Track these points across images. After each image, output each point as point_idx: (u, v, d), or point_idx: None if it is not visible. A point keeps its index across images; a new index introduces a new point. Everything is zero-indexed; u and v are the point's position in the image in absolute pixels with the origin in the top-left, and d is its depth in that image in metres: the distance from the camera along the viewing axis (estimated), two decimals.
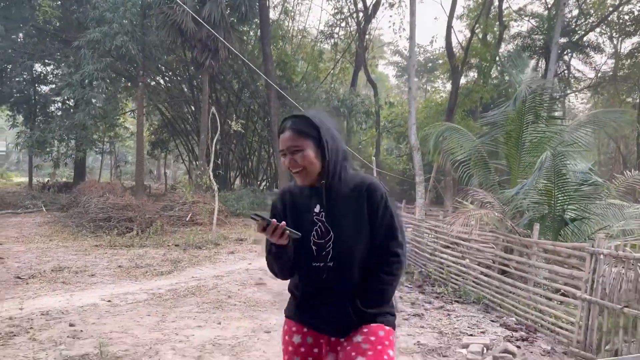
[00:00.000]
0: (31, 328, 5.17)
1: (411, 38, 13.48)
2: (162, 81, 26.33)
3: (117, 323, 5.43)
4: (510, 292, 6.53)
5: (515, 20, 26.97)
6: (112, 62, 17.42)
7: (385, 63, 44.58)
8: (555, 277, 5.94)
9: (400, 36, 41.90)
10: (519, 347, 5.09)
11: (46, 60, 21.75)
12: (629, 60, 26.16)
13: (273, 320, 5.70)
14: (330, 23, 27.69)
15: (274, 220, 1.83)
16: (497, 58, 22.94)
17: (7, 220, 14.25)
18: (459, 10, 26.27)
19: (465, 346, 4.88)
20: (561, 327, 5.51)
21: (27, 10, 18.33)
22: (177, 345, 4.75)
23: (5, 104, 21.30)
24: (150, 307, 6.14)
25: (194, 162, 22.95)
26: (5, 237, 11.40)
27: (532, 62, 25.35)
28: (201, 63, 18.16)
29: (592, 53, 25.91)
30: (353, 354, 1.90)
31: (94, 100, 16.84)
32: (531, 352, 5.02)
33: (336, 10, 27.18)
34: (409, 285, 8.14)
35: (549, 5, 25.01)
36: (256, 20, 21.40)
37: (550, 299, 5.90)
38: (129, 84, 23.20)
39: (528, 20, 26.39)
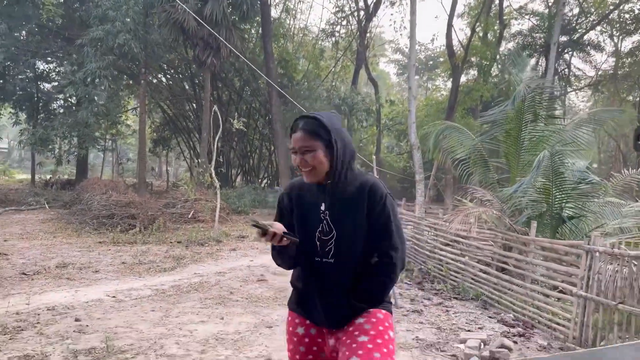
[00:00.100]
0: (38, 323, 5.28)
1: (411, 37, 13.56)
2: (164, 79, 26.45)
3: (122, 318, 5.54)
4: (508, 289, 6.63)
5: (516, 19, 27.02)
6: (115, 60, 17.53)
7: (386, 61, 44.66)
8: (552, 274, 6.04)
9: (401, 34, 42.10)
10: (515, 342, 5.20)
11: (49, 58, 21.88)
12: (629, 59, 26.22)
13: (274, 315, 5.81)
14: (332, 21, 27.80)
15: (271, 228, 1.89)
16: (498, 56, 23.00)
17: (10, 217, 14.38)
18: (459, 8, 26.35)
19: (463, 341, 4.98)
20: (558, 324, 5.62)
21: (30, 8, 18.43)
22: (181, 339, 4.86)
23: (8, 102, 21.41)
24: (154, 303, 6.25)
25: (196, 160, 23.06)
26: (9, 234, 11.52)
27: (533, 61, 25.40)
28: (203, 61, 18.27)
29: (592, 51, 25.97)
30: (356, 333, 1.99)
31: (96, 98, 16.95)
32: (527, 348, 5.12)
33: (337, 9, 27.30)
34: (409, 282, 8.24)
35: (550, 4, 25.05)
36: (258, 18, 21.49)
37: (547, 296, 6.01)
38: (131, 82, 23.33)
39: (529, 19, 26.45)
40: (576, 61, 28.37)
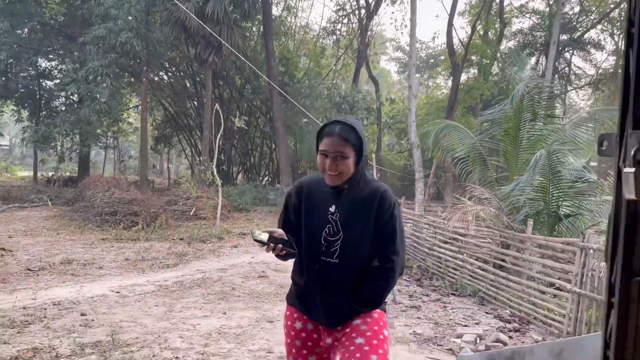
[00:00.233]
0: (45, 317, 5.41)
1: (411, 36, 13.66)
2: (165, 77, 26.55)
3: (127, 313, 5.67)
4: (505, 285, 6.76)
5: (517, 17, 27.07)
6: (117, 58, 17.63)
7: (387, 59, 44.70)
8: (548, 271, 6.16)
9: (402, 33, 41.98)
10: (511, 337, 5.32)
11: (51, 56, 21.98)
12: None
13: (275, 310, 5.94)
14: (333, 19, 27.86)
15: (271, 245, 1.99)
16: (498, 55, 23.08)
17: (14, 214, 14.52)
18: (460, 6, 26.42)
19: (459, 336, 5.11)
20: (553, 319, 5.74)
21: (32, 6, 18.54)
22: (184, 333, 4.99)
23: (10, 99, 21.53)
24: (158, 298, 6.38)
25: (197, 158, 23.20)
26: (13, 231, 11.65)
27: (533, 59, 25.47)
28: (204, 59, 18.37)
29: (593, 50, 26.02)
30: (353, 335, 2.09)
31: (98, 96, 17.06)
32: (522, 342, 5.25)
33: (338, 7, 27.34)
34: (408, 279, 8.36)
35: (551, 2, 25.10)
36: (259, 16, 21.58)
37: (543, 292, 6.13)
38: (133, 80, 23.43)
39: (529, 17, 26.50)
40: (576, 60, 28.42)
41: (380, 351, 2.05)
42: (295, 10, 27.40)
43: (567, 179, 7.65)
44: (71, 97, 20.55)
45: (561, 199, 7.64)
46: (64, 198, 17.20)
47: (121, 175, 27.05)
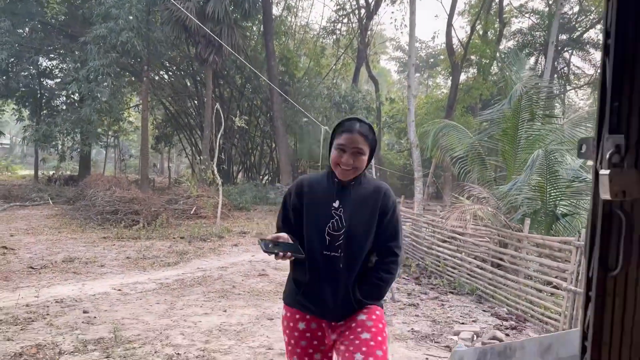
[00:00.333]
0: (47, 314, 5.48)
1: (411, 36, 13.71)
2: (166, 76, 26.62)
3: (128, 310, 5.74)
4: (503, 283, 6.83)
5: (516, 17, 27.12)
6: (118, 58, 17.69)
7: (387, 58, 44.75)
8: (545, 269, 6.24)
9: (402, 32, 42.07)
10: (507, 335, 5.40)
11: (51, 55, 22.03)
12: None
13: (275, 308, 6.01)
14: (333, 19, 27.91)
15: (280, 253, 2.06)
16: (497, 55, 23.14)
17: (15, 213, 14.59)
18: (460, 6, 26.45)
19: (457, 333, 5.19)
20: (549, 317, 5.81)
21: (33, 5, 18.60)
22: (185, 330, 5.06)
23: (11, 98, 21.60)
24: (159, 296, 6.45)
25: (198, 157, 23.27)
26: (14, 229, 11.72)
27: (532, 59, 25.53)
28: (205, 59, 18.45)
29: (592, 50, 26.06)
30: (359, 329, 2.15)
31: (99, 95, 17.13)
32: (518, 340, 5.32)
33: (338, 7, 27.39)
34: (406, 277, 8.43)
35: (550, 2, 25.15)
36: (259, 16, 21.63)
37: (540, 291, 6.20)
38: (134, 79, 23.49)
39: (529, 17, 26.55)
40: (575, 59, 28.46)
41: (384, 347, 2.13)
42: (295, 9, 27.48)
43: (564, 178, 7.72)
44: (72, 96, 20.61)
45: (558, 199, 7.71)
46: (65, 197, 17.27)
47: (122, 174, 27.12)
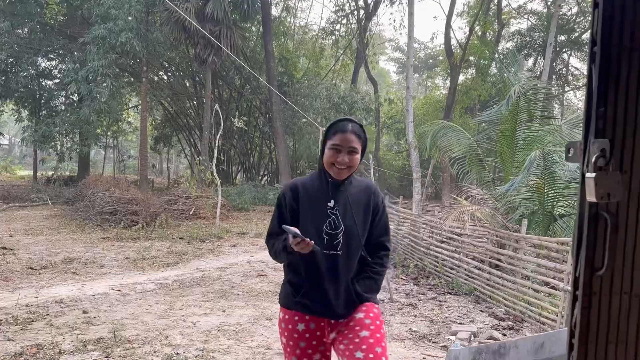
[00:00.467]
0: (47, 314, 5.51)
1: (409, 37, 13.75)
2: (165, 77, 26.63)
3: (128, 310, 5.77)
4: (500, 284, 6.86)
5: (515, 18, 27.18)
6: (117, 58, 17.70)
7: (386, 59, 44.83)
8: (542, 270, 6.27)
9: (400, 33, 42.07)
10: (505, 335, 5.43)
11: (50, 56, 22.03)
12: None
13: (274, 308, 6.04)
14: (332, 20, 27.95)
15: (308, 239, 2.05)
16: (496, 56, 23.20)
17: (14, 213, 14.60)
18: (459, 7, 26.52)
19: (454, 333, 5.22)
20: (546, 317, 5.85)
21: (32, 6, 18.61)
22: (185, 330, 5.09)
23: (10, 99, 21.60)
24: (158, 296, 6.48)
25: (197, 157, 23.30)
26: (14, 230, 11.74)
27: (531, 60, 25.59)
28: (204, 59, 18.46)
29: None
30: (357, 328, 2.21)
31: (98, 96, 17.13)
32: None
33: (337, 7, 27.45)
34: (405, 278, 8.47)
35: (549, 3, 25.21)
36: (258, 17, 21.67)
37: (537, 291, 6.23)
38: (133, 80, 23.50)
39: (527, 18, 26.60)
40: (574, 61, 28.51)
41: (383, 344, 2.20)
42: (294, 10, 27.51)
43: (561, 179, 7.75)
44: (71, 96, 20.62)
45: (556, 199, 7.75)
46: (64, 197, 17.28)
47: (121, 174, 27.14)
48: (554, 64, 24.46)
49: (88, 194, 14.42)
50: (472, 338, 5.10)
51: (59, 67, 22.43)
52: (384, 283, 6.84)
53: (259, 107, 25.74)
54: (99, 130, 22.04)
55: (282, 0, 26.58)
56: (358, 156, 2.24)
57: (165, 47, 19.77)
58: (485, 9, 23.64)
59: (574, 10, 25.40)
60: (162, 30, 18.52)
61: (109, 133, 26.38)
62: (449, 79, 24.82)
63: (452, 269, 8.18)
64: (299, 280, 2.29)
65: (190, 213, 14.71)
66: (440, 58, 32.13)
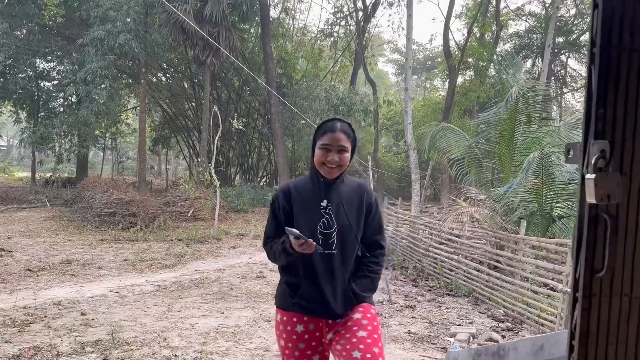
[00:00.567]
0: (45, 316, 5.49)
1: (408, 39, 13.76)
2: (163, 78, 26.63)
3: (126, 312, 5.75)
4: (499, 285, 6.86)
5: (513, 20, 27.22)
6: (115, 60, 17.70)
7: (385, 60, 44.85)
8: (541, 271, 6.27)
9: (399, 35, 42.15)
10: (503, 336, 5.43)
11: (49, 57, 22.03)
12: None
13: (273, 310, 5.98)
14: (330, 22, 27.95)
15: (311, 240, 2.07)
16: (495, 57, 23.23)
17: (12, 215, 14.58)
18: (457, 9, 26.55)
19: (453, 335, 5.21)
20: (545, 319, 5.84)
21: (31, 8, 18.61)
22: (183, 332, 5.08)
23: (8, 100, 21.59)
24: (157, 298, 6.46)
25: (195, 159, 23.29)
26: (12, 231, 11.72)
27: (529, 62, 25.62)
28: (203, 61, 18.46)
29: None
30: (355, 328, 2.21)
31: (97, 97, 17.13)
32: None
33: (336, 9, 27.45)
34: (404, 279, 8.46)
35: (547, 5, 25.27)
36: (257, 18, 21.68)
37: (536, 292, 6.23)
38: (131, 81, 23.50)
39: (525, 20, 26.65)
40: (572, 62, 28.58)
41: (380, 344, 2.20)
42: (293, 12, 27.51)
43: (560, 180, 7.76)
44: (69, 98, 20.59)
45: (555, 201, 7.75)
46: (62, 199, 17.26)
47: (119, 176, 27.11)
48: (552, 66, 24.50)
49: (86, 196, 14.41)
50: (471, 340, 5.09)
51: (57, 69, 22.43)
52: (383, 284, 6.85)
53: (258, 109, 25.74)
54: (97, 132, 22.04)
55: (281, 1, 26.61)
56: (348, 155, 2.25)
57: (163, 48, 19.78)
58: (484, 10, 23.67)
59: (572, 12, 25.46)
60: (160, 32, 18.51)
61: (107, 134, 26.37)
62: (448, 80, 24.84)
63: (451, 270, 8.18)
64: (297, 281, 2.28)
65: (189, 214, 14.69)
66: (439, 60, 32.17)
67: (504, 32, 26.40)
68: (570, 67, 28.52)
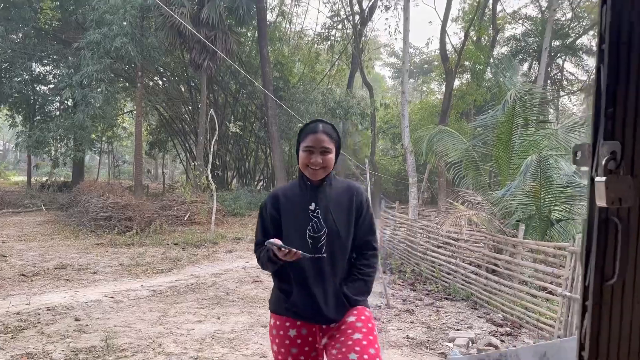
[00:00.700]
0: (39, 322, 5.42)
1: (405, 42, 13.75)
2: (160, 82, 26.56)
3: (121, 318, 5.68)
4: (498, 289, 6.81)
5: (510, 23, 27.29)
6: (112, 63, 17.64)
7: (381, 64, 44.87)
8: (539, 275, 6.22)
9: (396, 38, 42.32)
10: (503, 341, 5.38)
11: (45, 61, 21.94)
12: None
13: (269, 315, 5.96)
14: (327, 25, 27.98)
15: (294, 250, 2.04)
16: (491, 61, 23.27)
17: (7, 219, 14.47)
18: (454, 12, 26.61)
19: (452, 340, 5.16)
20: (544, 323, 5.80)
21: (27, 11, 18.54)
22: (178, 338, 5.01)
23: (4, 104, 21.49)
24: (152, 303, 6.39)
25: (192, 162, 23.22)
26: (7, 236, 11.62)
27: (526, 65, 25.67)
28: (199, 64, 18.41)
29: (584, 56, 26.25)
30: (349, 331, 2.17)
31: (93, 101, 17.05)
32: (514, 346, 5.30)
33: (333, 13, 27.46)
34: (401, 283, 8.41)
35: (543, 9, 25.34)
36: (254, 22, 21.67)
37: (535, 296, 6.19)
38: (128, 85, 23.43)
39: (522, 24, 26.73)
40: (568, 66, 28.65)
41: (376, 346, 2.16)
42: (289, 16, 27.53)
43: (558, 184, 7.73)
44: (65, 102, 20.52)
45: (553, 204, 7.72)
46: (58, 203, 17.15)
47: (116, 180, 26.99)
48: (549, 69, 24.55)
49: (82, 200, 14.32)
50: (470, 344, 5.04)
51: (53, 72, 22.33)
52: (381, 289, 6.80)
53: (255, 112, 25.70)
54: (93, 136, 21.95)
55: (278, 5, 26.62)
56: (331, 156, 2.22)
57: (160, 52, 19.73)
58: (480, 14, 23.72)
59: (568, 15, 25.54)
60: (157, 35, 18.46)
61: (103, 138, 26.26)
62: (445, 83, 24.84)
63: (449, 274, 8.13)
64: (288, 286, 2.28)
65: (185, 218, 14.61)
66: (436, 63, 32.21)
67: (501, 35, 26.45)
68: (566, 71, 28.60)
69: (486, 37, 24.63)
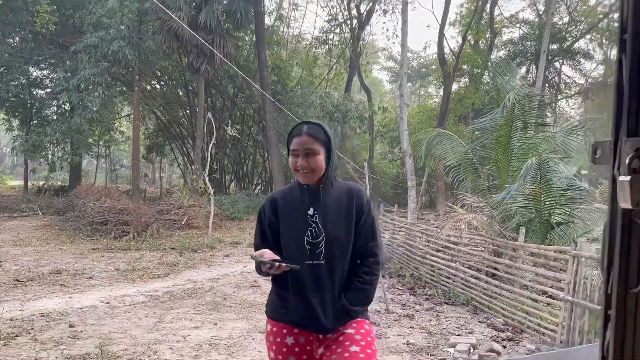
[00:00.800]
0: (32, 329, 5.32)
1: (403, 46, 13.73)
2: (157, 86, 26.48)
3: (116, 324, 5.59)
4: (498, 294, 6.74)
5: (507, 27, 27.32)
6: (109, 67, 17.56)
7: (379, 68, 44.90)
8: (540, 279, 6.15)
9: (393, 42, 42.28)
10: (504, 346, 5.30)
11: (42, 65, 21.86)
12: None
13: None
14: (325, 29, 27.97)
15: (277, 263, 1.97)
16: (489, 64, 23.27)
17: (3, 224, 14.35)
18: (451, 16, 26.63)
19: (453, 345, 5.08)
20: (546, 328, 5.72)
21: (23, 15, 18.46)
22: (175, 345, 4.92)
23: (0, 108, 21.38)
24: (148, 309, 6.30)
25: (190, 166, 23.12)
26: (2, 241, 11.50)
27: (523, 69, 25.68)
28: (197, 68, 18.35)
29: (582, 60, 26.30)
30: (347, 343, 2.08)
31: (90, 105, 16.95)
32: (516, 352, 5.22)
33: (330, 17, 27.48)
34: (401, 288, 8.33)
35: (540, 12, 25.39)
36: (252, 26, 21.64)
37: (536, 301, 6.12)
38: (125, 89, 23.35)
39: (519, 27, 26.76)
40: (566, 69, 28.70)
41: None
42: (287, 20, 27.51)
43: (558, 187, 7.68)
44: (62, 105, 20.40)
45: (553, 207, 7.66)
46: (54, 207, 17.03)
47: (113, 184, 26.87)
48: (546, 72, 24.56)
49: (79, 204, 14.21)
50: (472, 350, 4.96)
51: (50, 76, 22.24)
52: (380, 294, 6.71)
53: (253, 116, 25.64)
54: (90, 140, 21.85)
55: (276, 9, 26.60)
56: (319, 157, 2.10)
57: (157, 55, 19.65)
58: (478, 18, 23.73)
59: (566, 19, 25.59)
60: (154, 39, 18.39)
61: (101, 142, 26.17)
62: (442, 87, 24.82)
63: (449, 278, 8.05)
64: (286, 293, 2.19)
65: (183, 223, 14.51)
66: (434, 67, 32.22)
67: (498, 39, 26.48)
68: (564, 74, 28.64)
69: (484, 41, 24.64)
